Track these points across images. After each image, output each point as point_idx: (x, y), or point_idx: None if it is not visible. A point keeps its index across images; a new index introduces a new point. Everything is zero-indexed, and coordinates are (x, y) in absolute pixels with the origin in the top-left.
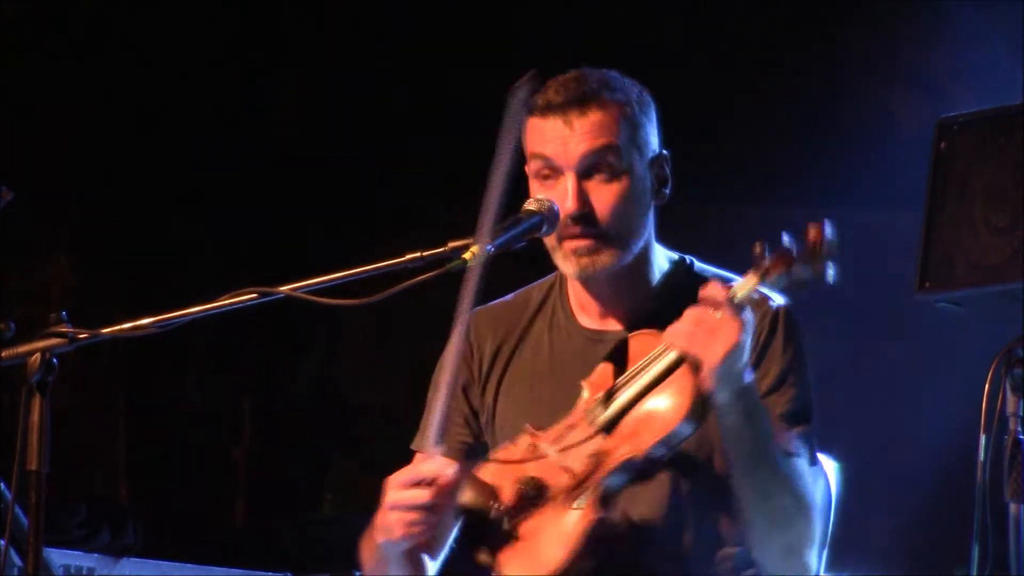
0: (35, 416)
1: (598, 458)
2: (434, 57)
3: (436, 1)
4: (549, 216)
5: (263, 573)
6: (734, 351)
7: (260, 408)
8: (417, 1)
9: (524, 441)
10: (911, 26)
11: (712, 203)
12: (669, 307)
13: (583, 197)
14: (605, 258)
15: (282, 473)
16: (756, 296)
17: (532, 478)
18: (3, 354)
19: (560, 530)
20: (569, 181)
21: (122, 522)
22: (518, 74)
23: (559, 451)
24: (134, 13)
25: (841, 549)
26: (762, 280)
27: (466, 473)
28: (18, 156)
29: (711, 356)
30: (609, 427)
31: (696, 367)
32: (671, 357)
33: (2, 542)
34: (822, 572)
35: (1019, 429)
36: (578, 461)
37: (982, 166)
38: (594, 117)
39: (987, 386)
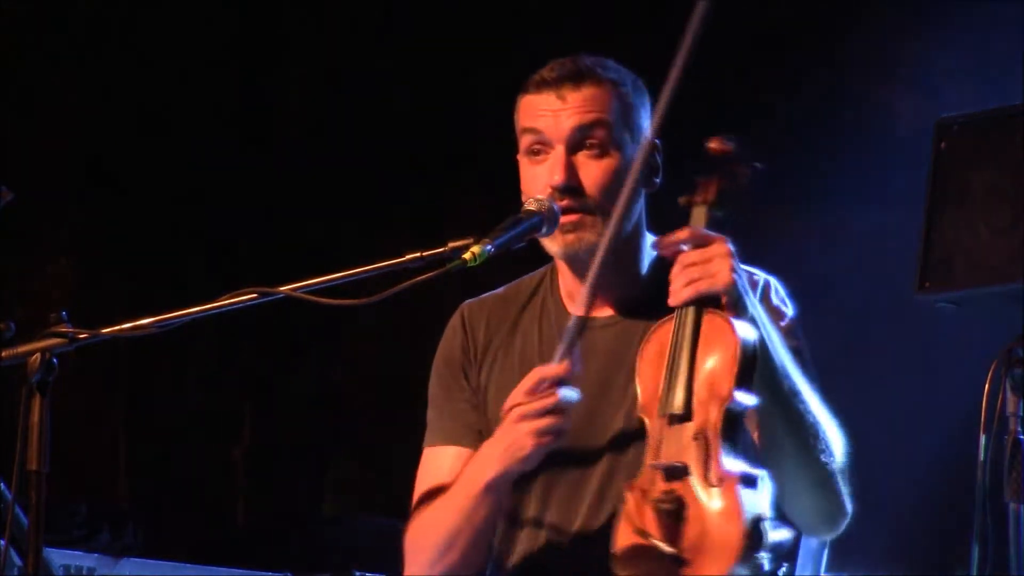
0: (35, 416)
1: (701, 435)
2: (434, 57)
3: (436, 1)
4: (549, 216)
5: (263, 573)
6: (735, 262)
7: (260, 408)
8: (417, 1)
9: (627, 496)
10: (911, 26)
11: None
12: (658, 293)
13: (571, 169)
14: (591, 235)
15: (282, 473)
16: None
17: (664, 492)
18: (3, 354)
19: (721, 512)
20: (557, 153)
21: (122, 522)
22: (519, 74)
23: (665, 462)
24: (134, 13)
25: (841, 549)
26: (708, 208)
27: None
28: (18, 156)
29: (720, 279)
30: (687, 411)
31: (715, 302)
32: (691, 315)
33: (2, 542)
34: (822, 572)
35: (1019, 429)
36: (687, 453)
37: (982, 166)
38: (587, 92)
39: (987, 386)
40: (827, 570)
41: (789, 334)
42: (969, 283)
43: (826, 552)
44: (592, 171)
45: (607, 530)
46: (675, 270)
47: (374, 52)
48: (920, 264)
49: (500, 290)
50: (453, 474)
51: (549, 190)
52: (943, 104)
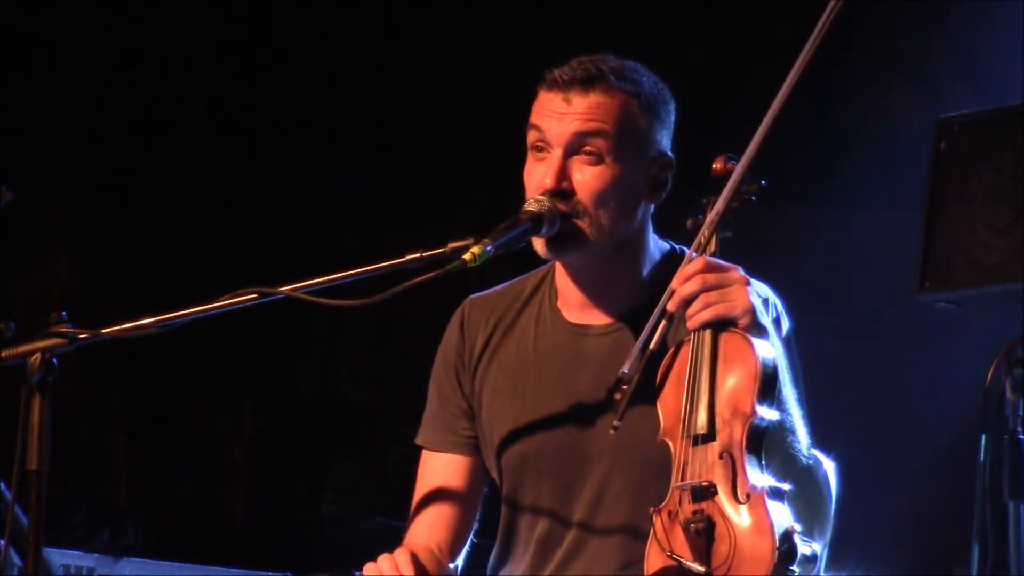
0: (35, 416)
1: (727, 453)
2: (434, 57)
3: (437, 1)
4: (549, 217)
5: (263, 573)
6: (751, 287)
7: (260, 408)
8: (418, 1)
9: (655, 520)
10: (911, 26)
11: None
12: (656, 300)
13: (562, 174)
14: (576, 240)
15: (282, 473)
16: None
17: (694, 513)
18: (3, 354)
19: (751, 528)
20: (554, 156)
21: (122, 522)
22: (519, 74)
23: (691, 482)
24: (135, 13)
25: (841, 549)
26: (715, 227)
27: None
28: (19, 156)
29: (738, 304)
30: (711, 430)
31: (733, 324)
32: (708, 336)
33: (2, 542)
34: (822, 572)
35: (1019, 429)
36: (714, 471)
37: (982, 166)
38: (594, 99)
39: (987, 386)
40: (826, 570)
41: (786, 349)
42: (969, 283)
43: (825, 552)
44: (584, 177)
45: (605, 535)
46: (684, 294)
47: (374, 52)
48: (920, 264)
49: (504, 286)
50: (444, 481)
51: (541, 190)
52: (943, 104)
